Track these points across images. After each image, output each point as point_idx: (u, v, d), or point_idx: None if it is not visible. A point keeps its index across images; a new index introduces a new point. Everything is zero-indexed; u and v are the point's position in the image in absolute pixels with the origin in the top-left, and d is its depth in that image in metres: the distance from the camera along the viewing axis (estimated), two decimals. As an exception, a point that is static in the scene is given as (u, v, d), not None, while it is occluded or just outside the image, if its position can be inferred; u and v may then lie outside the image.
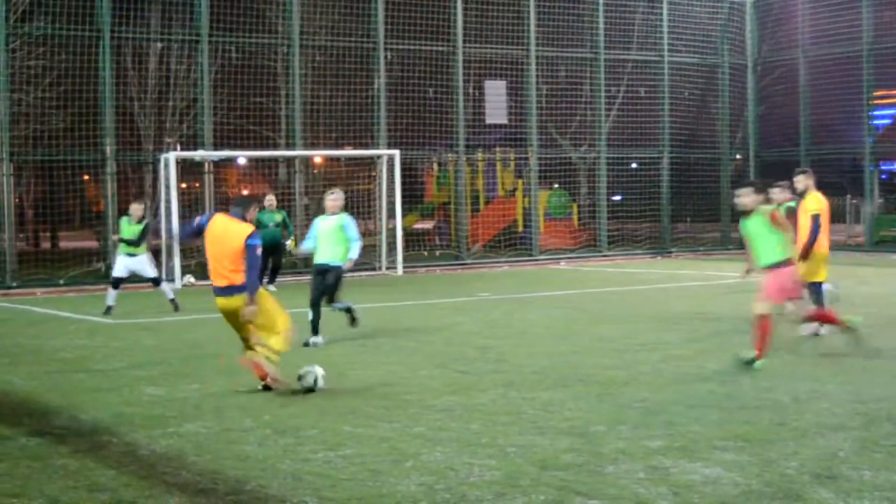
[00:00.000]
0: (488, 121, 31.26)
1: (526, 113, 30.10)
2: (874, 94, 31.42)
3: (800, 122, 31.86)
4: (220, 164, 29.42)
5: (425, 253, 30.44)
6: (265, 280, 19.98)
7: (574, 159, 32.02)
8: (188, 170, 27.57)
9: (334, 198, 13.43)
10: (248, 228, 10.07)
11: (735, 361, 10.92)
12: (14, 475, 7.21)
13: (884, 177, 37.16)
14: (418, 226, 35.29)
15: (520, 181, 32.09)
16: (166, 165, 23.93)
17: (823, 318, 12.02)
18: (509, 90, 31.02)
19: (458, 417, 8.74)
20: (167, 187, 23.88)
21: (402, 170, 26.99)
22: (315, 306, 13.23)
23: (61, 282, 23.80)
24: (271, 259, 20.71)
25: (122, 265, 17.66)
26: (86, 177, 28.40)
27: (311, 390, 9.89)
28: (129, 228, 17.62)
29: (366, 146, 28.35)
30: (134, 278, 18.44)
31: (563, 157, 31.65)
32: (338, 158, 30.55)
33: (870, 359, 11.38)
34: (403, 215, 27.85)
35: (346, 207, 13.84)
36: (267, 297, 10.25)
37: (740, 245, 14.19)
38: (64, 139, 25.58)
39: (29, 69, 25.23)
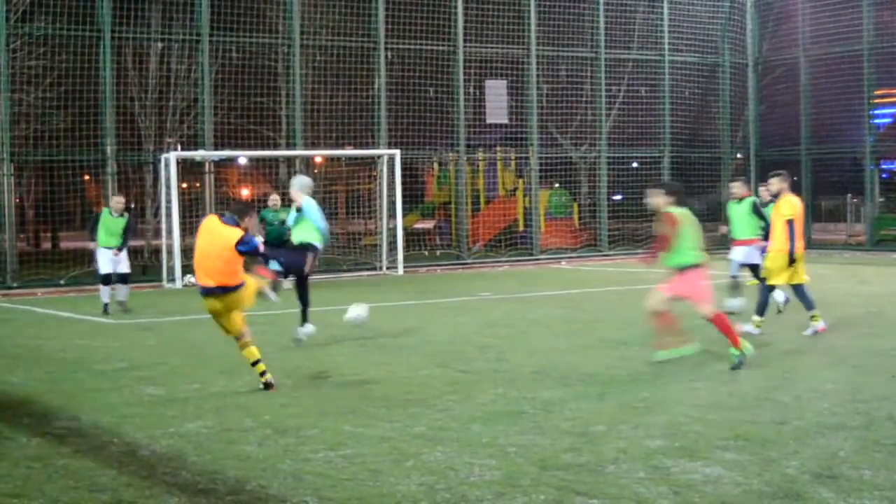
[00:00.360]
0: (489, 120, 31.26)
1: (526, 112, 30.10)
2: (875, 93, 31.42)
3: (800, 122, 31.86)
4: (220, 164, 29.43)
5: (426, 252, 30.43)
6: (281, 277, 19.92)
7: (575, 159, 32.00)
8: (189, 170, 27.58)
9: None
10: (237, 233, 10.00)
11: (652, 362, 11.10)
12: (14, 475, 7.22)
13: (884, 176, 37.13)
14: (419, 225, 35.28)
15: (520, 181, 32.09)
16: (167, 165, 23.93)
17: (723, 328, 10.95)
18: (510, 90, 31.02)
19: (458, 417, 8.74)
20: (168, 187, 23.88)
21: (403, 169, 27.00)
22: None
23: (62, 282, 23.80)
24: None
25: (105, 260, 17.54)
26: (86, 177, 28.43)
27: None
28: (111, 221, 17.55)
29: (366, 146, 28.35)
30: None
31: (563, 157, 31.65)
32: (338, 158, 30.54)
33: (870, 359, 11.38)
34: (404, 215, 27.85)
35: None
36: (253, 284, 10.41)
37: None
38: (64, 139, 25.57)
39: (29, 69, 25.23)
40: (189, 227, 23.50)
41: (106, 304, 17.52)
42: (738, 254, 15.52)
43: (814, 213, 33.44)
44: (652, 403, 9.15)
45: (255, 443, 7.99)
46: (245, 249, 9.98)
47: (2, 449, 8.00)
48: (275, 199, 21.58)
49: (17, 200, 30.89)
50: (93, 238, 17.69)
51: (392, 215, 26.58)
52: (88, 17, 24.43)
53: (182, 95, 27.87)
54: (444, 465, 7.19)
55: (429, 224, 35.72)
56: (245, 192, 37.46)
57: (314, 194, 14.27)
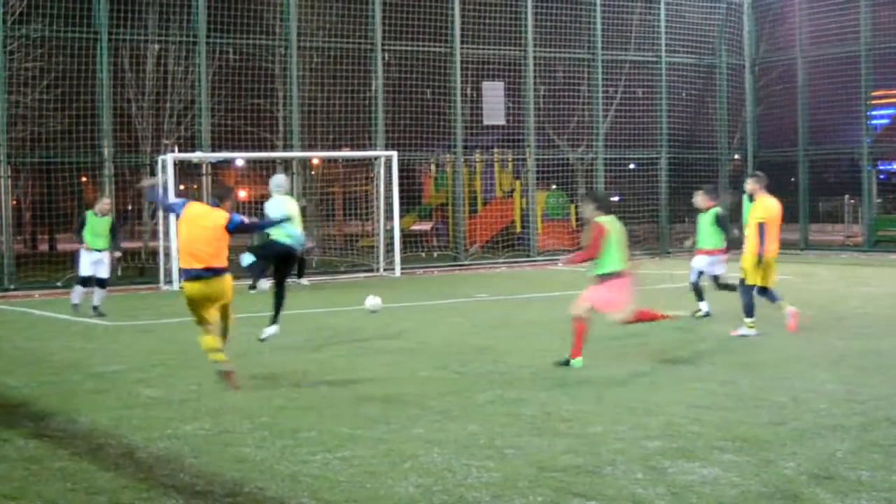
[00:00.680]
0: (486, 122, 31.24)
1: (523, 114, 30.11)
2: (872, 94, 31.45)
3: (798, 123, 31.87)
4: (217, 166, 29.41)
5: (423, 254, 30.43)
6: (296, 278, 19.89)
7: (572, 160, 32.00)
8: (186, 171, 27.56)
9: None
10: (224, 214, 10.50)
11: (554, 364, 11.23)
12: (12, 478, 7.21)
13: (882, 177, 37.18)
14: (416, 227, 35.29)
15: (517, 182, 32.08)
16: (164, 167, 23.91)
17: (645, 317, 11.78)
18: (507, 91, 31.01)
19: (455, 418, 8.74)
20: (165, 189, 23.84)
21: (400, 171, 27.00)
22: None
23: (59, 284, 23.75)
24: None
25: (87, 262, 17.49)
26: (83, 178, 28.37)
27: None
28: (96, 221, 17.52)
29: (363, 147, 28.34)
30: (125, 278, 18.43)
31: (560, 158, 31.64)
32: (335, 159, 30.53)
33: (867, 359, 11.39)
34: (401, 216, 27.84)
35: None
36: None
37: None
38: (61, 141, 25.55)
39: (26, 71, 25.19)
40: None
41: (76, 305, 17.53)
42: (700, 262, 16.03)
43: (811, 214, 33.48)
44: (649, 404, 9.15)
45: (252, 445, 7.99)
46: (233, 227, 10.45)
47: (-1, 451, 8.00)
48: None
49: (14, 202, 30.82)
50: (80, 240, 17.68)
51: (389, 217, 26.56)
52: (85, 19, 24.40)
53: (179, 97, 27.87)
54: (442, 467, 7.19)
55: (426, 225, 35.72)
56: (242, 194, 37.43)
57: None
